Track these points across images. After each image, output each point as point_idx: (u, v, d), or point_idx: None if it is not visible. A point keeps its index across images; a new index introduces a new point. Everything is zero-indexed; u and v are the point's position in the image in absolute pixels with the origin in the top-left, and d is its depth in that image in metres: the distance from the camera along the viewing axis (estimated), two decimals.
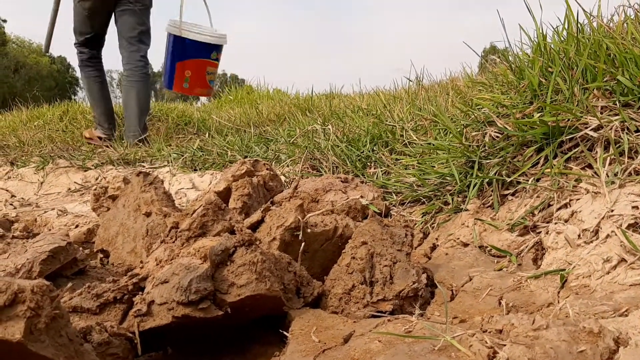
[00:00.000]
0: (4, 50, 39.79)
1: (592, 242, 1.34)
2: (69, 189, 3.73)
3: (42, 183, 3.94)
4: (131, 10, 4.40)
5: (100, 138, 4.93)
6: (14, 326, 0.86)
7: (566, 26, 2.00)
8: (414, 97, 3.61)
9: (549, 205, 1.58)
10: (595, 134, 1.61)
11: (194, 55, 4.51)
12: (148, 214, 1.91)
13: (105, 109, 4.89)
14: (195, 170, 3.54)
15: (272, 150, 3.36)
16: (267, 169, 2.17)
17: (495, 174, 1.83)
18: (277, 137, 3.64)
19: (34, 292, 0.90)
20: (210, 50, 4.57)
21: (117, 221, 2.02)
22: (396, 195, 2.24)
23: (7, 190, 3.88)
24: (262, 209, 1.66)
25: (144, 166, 3.94)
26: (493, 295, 1.34)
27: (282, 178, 2.64)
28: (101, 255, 2.07)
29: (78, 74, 4.94)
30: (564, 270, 1.31)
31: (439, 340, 1.02)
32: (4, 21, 39.72)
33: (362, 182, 2.15)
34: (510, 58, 2.26)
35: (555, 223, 1.49)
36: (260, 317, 1.32)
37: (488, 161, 1.89)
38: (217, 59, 4.72)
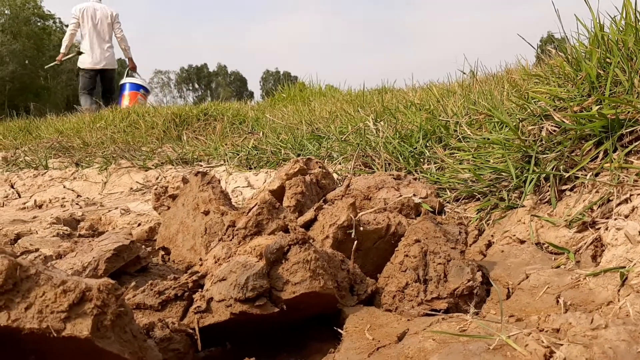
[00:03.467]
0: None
1: None
2: (131, 188, 3.87)
3: (105, 183, 4.10)
4: (107, 79, 9.09)
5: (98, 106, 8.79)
6: (82, 323, 0.92)
7: (624, 16, 1.93)
8: (468, 91, 3.55)
9: (609, 201, 1.54)
10: None
11: (131, 89, 9.24)
12: (206, 213, 1.97)
13: (92, 103, 8.94)
14: (251, 168, 3.61)
15: (325, 148, 3.39)
16: (319, 167, 2.20)
17: (552, 169, 1.79)
18: (329, 135, 3.66)
19: (100, 290, 0.95)
20: (139, 88, 9.31)
21: (177, 219, 2.09)
22: (450, 192, 2.23)
23: (73, 190, 4.07)
24: (315, 207, 1.68)
25: (201, 165, 4.05)
26: (550, 294, 1.32)
27: (335, 175, 2.66)
28: (162, 253, 2.15)
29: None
30: (624, 267, 1.27)
31: (494, 339, 1.01)
32: (67, 26, 41.32)
33: (415, 179, 2.14)
34: (566, 49, 2.19)
35: (615, 219, 1.45)
36: (315, 314, 1.35)
37: (545, 156, 1.85)
38: (144, 95, 9.38)
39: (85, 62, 8.66)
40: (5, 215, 3.32)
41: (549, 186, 1.77)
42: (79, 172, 4.41)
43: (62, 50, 8.77)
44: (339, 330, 1.24)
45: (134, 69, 9.37)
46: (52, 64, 9.83)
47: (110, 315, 0.95)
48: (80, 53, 8.82)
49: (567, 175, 1.73)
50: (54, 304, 0.91)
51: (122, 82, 9.32)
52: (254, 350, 1.31)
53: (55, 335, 0.90)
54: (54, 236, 2.46)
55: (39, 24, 39.24)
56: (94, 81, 8.85)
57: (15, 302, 0.90)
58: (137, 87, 9.28)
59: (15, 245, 2.28)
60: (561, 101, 1.97)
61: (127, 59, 9.19)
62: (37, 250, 1.97)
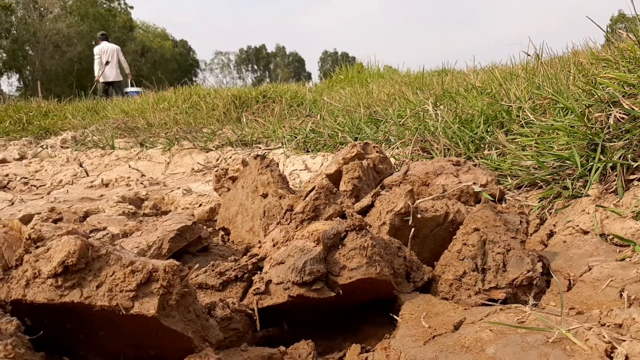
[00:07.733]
0: (131, 36, 42.78)
1: None
2: (193, 169, 3.98)
3: (168, 163, 4.23)
4: (115, 86, 13.55)
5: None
6: (149, 302, 0.96)
7: None
8: (532, 74, 3.44)
9: None
10: None
11: (133, 96, 11.65)
12: (265, 195, 2.01)
13: (107, 97, 12.19)
14: (308, 151, 3.63)
15: (382, 132, 3.37)
16: (377, 152, 2.19)
17: (620, 157, 1.73)
18: (387, 118, 3.63)
19: (166, 271, 0.99)
20: (136, 93, 12.49)
21: (236, 201, 2.14)
22: (511, 179, 2.18)
23: (137, 170, 4.21)
24: (371, 193, 1.68)
25: (260, 147, 4.11)
26: (614, 287, 1.28)
27: (392, 160, 2.65)
28: (222, 233, 2.21)
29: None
30: None
31: (553, 332, 1.00)
32: (131, 8, 42.63)
33: (474, 165, 2.11)
34: (637, 32, 2.09)
35: None
36: (371, 300, 1.36)
37: (612, 144, 1.78)
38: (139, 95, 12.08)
39: (101, 77, 13.79)
40: (74, 193, 3.48)
41: (616, 175, 1.71)
42: (144, 152, 4.57)
43: (96, 74, 13.25)
44: (395, 316, 1.25)
45: (131, 78, 14.27)
46: (94, 85, 13.93)
47: (175, 295, 0.99)
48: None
49: (635, 164, 1.67)
50: (123, 283, 0.96)
51: (127, 89, 13.81)
52: (310, 332, 1.34)
53: (124, 312, 0.94)
54: (119, 215, 2.56)
55: (104, 5, 40.57)
56: (106, 87, 13.59)
57: (87, 281, 0.96)
58: (136, 93, 13.16)
59: (85, 222, 2.40)
60: (631, 87, 1.88)
61: (128, 74, 13.94)
62: (104, 228, 2.06)
